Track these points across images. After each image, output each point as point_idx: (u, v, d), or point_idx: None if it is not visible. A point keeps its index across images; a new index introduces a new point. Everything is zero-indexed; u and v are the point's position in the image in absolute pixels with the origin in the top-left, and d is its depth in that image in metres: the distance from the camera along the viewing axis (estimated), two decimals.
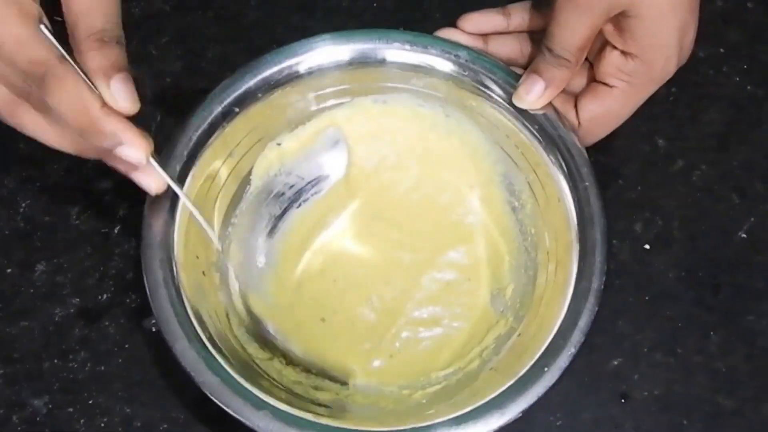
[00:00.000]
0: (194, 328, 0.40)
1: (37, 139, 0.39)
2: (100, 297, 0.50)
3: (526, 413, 0.47)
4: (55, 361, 0.48)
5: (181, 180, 0.44)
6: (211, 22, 0.59)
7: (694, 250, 0.52)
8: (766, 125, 0.56)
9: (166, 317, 0.40)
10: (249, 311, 0.48)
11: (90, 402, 0.47)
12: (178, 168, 0.44)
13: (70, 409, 0.47)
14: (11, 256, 0.51)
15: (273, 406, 0.39)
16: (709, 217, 0.53)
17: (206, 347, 0.40)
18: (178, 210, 0.43)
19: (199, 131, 0.45)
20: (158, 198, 0.42)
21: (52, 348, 0.48)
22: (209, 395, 0.39)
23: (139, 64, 0.57)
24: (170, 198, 0.43)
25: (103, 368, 0.48)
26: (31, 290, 0.50)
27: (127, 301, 0.50)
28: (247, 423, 0.38)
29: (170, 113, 0.55)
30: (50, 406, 0.47)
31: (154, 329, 0.49)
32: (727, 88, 0.57)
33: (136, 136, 0.37)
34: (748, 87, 0.58)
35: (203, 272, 0.45)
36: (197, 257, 0.45)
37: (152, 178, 0.40)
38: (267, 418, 0.38)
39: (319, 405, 0.43)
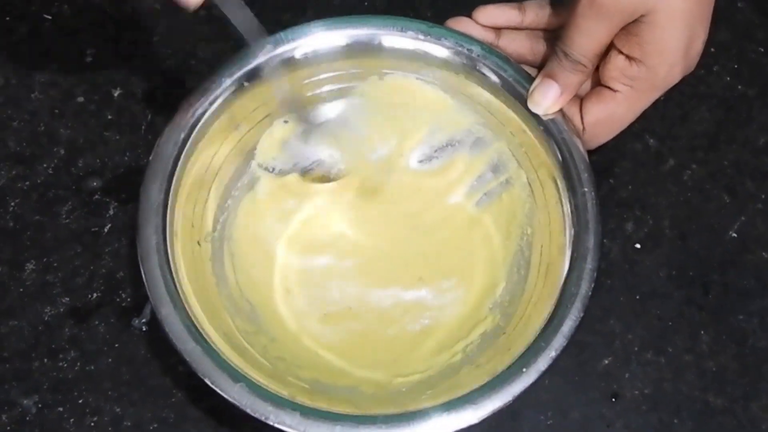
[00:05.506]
0: (181, 296, 0.40)
1: None
2: (89, 296, 0.50)
3: (516, 412, 0.47)
4: (45, 360, 0.48)
5: (182, 150, 0.43)
6: (201, 21, 0.59)
7: (684, 249, 0.52)
8: (756, 124, 0.57)
9: (154, 283, 0.40)
10: (239, 284, 0.48)
11: (80, 401, 0.47)
12: (182, 136, 0.44)
13: (60, 409, 0.47)
14: (0, 255, 0.51)
15: (250, 380, 0.39)
16: (700, 216, 0.54)
17: (191, 316, 0.40)
18: (176, 175, 0.43)
19: (208, 101, 0.45)
20: (158, 161, 0.42)
21: (42, 347, 0.48)
22: (189, 363, 0.39)
23: (129, 63, 0.57)
24: (171, 162, 0.43)
25: (92, 368, 0.48)
26: (21, 289, 0.50)
27: (117, 300, 0.50)
28: (223, 394, 0.38)
29: (160, 113, 0.55)
30: (40, 406, 0.47)
31: (144, 328, 0.49)
32: (718, 87, 0.58)
33: None
34: (739, 86, 0.58)
35: (198, 242, 0.45)
36: (193, 225, 0.45)
37: None
38: (243, 391, 0.38)
39: (301, 381, 0.43)
